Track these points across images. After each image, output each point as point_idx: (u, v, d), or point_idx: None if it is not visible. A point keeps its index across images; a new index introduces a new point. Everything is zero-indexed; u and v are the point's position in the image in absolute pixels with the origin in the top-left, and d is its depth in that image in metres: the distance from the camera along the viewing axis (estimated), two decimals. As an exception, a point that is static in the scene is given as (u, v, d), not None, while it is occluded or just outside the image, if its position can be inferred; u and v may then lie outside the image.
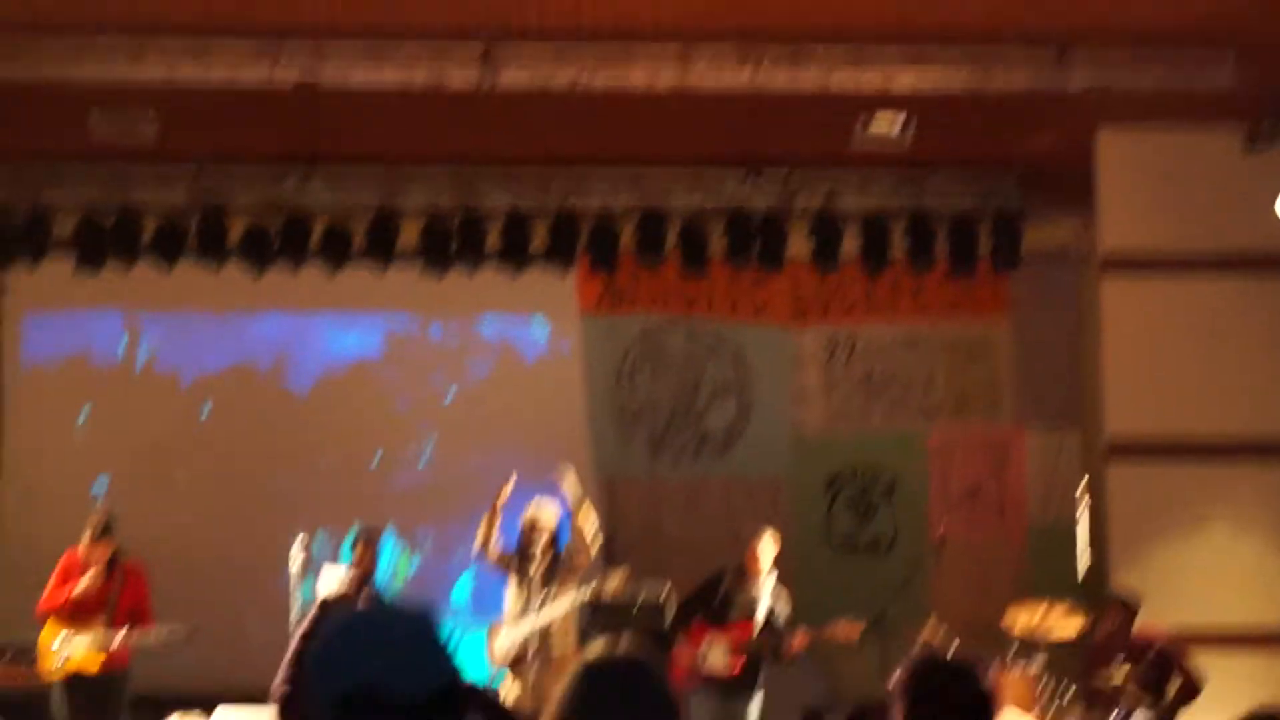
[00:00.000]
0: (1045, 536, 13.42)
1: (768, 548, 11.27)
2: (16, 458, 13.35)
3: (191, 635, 10.99)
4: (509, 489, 10.64)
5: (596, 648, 3.37)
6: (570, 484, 10.82)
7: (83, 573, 10.72)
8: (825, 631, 11.14)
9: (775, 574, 11.34)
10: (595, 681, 3.21)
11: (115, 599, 10.78)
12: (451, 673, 2.48)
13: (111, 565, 10.85)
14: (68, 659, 10.66)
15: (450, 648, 2.48)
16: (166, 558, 12.36)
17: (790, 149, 12.84)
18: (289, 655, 7.20)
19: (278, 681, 6.83)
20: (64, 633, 10.66)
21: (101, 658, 10.75)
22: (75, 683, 10.69)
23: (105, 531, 10.82)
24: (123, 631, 10.72)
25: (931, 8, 10.69)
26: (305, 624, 7.80)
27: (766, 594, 11.25)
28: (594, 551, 11.00)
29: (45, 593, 10.79)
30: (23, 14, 10.72)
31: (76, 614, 10.72)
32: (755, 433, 13.68)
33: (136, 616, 10.83)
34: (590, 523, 10.87)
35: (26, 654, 11.01)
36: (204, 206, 12.81)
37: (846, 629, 11.17)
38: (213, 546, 13.18)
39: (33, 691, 10.92)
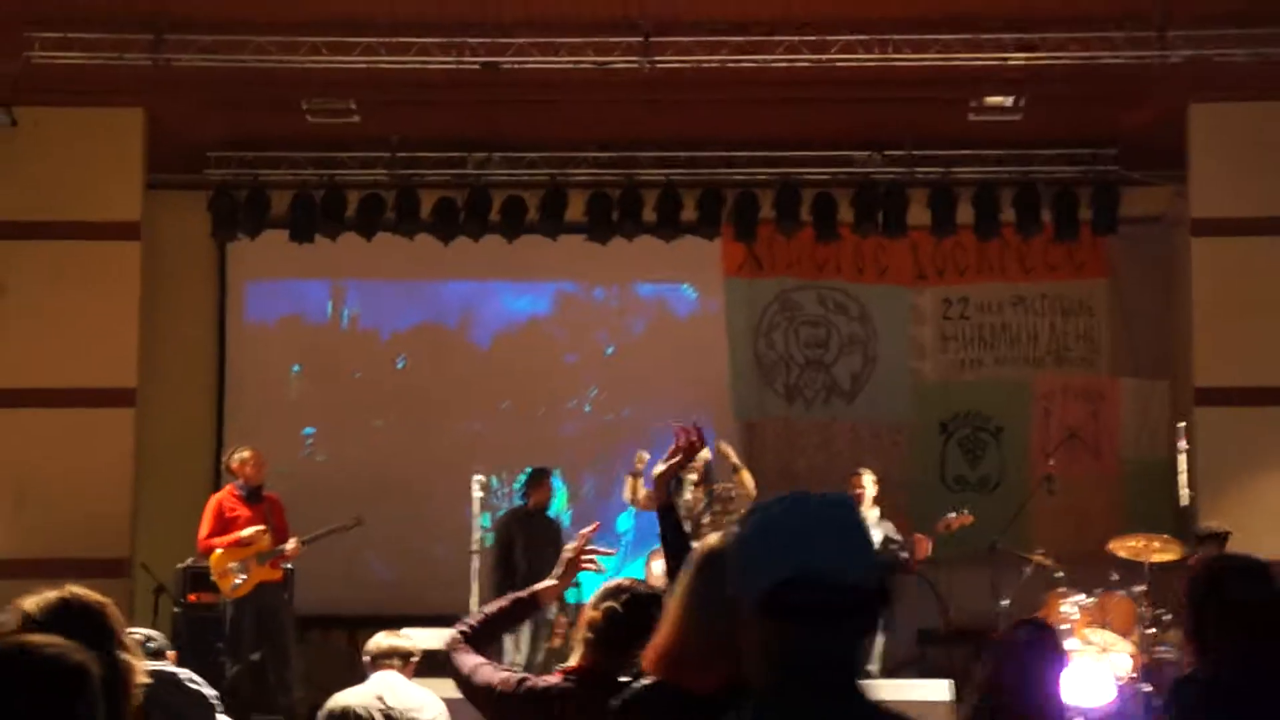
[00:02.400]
0: (1138, 475, 13.04)
1: (868, 484, 11.02)
2: (237, 406, 13.32)
3: (357, 524, 11.19)
4: (645, 457, 10.55)
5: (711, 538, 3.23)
6: (727, 450, 10.84)
7: (233, 511, 10.81)
8: (940, 528, 10.86)
9: (878, 509, 11.04)
10: (713, 566, 3.07)
11: (271, 524, 10.81)
12: (876, 558, 2.25)
13: (259, 495, 10.92)
14: (245, 579, 10.66)
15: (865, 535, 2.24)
16: (364, 492, 12.37)
17: (911, 126, 12.59)
18: None
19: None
20: (238, 559, 10.63)
21: (279, 571, 10.88)
22: (250, 599, 10.75)
23: (255, 455, 10.96)
24: (291, 542, 10.84)
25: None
26: None
27: (874, 523, 10.97)
28: (751, 487, 10.97)
29: (204, 529, 10.84)
30: (244, 13, 10.74)
31: (240, 543, 10.76)
32: (878, 381, 13.40)
33: (284, 537, 10.92)
34: (750, 480, 10.93)
35: (205, 578, 11.06)
36: (399, 184, 12.71)
37: (959, 519, 10.91)
38: (405, 483, 13.07)
39: (215, 609, 10.99)
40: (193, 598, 11.22)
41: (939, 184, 12.69)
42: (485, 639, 4.51)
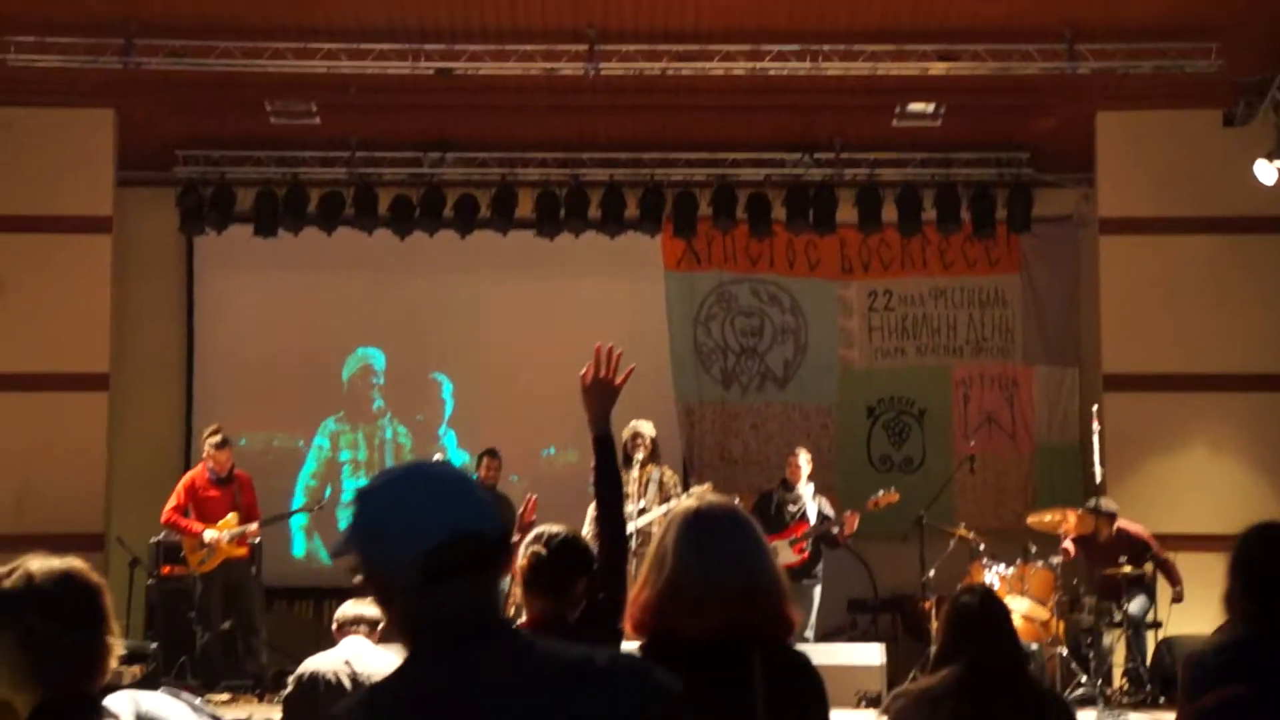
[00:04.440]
0: (1051, 455, 13.32)
1: (804, 462, 11.33)
2: (205, 389, 13.34)
3: (318, 507, 11.65)
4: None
5: (689, 502, 3.19)
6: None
7: (204, 490, 10.98)
8: (869, 505, 11.10)
9: (812, 485, 11.33)
10: (701, 520, 3.07)
11: (239, 501, 10.93)
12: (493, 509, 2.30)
13: (230, 473, 11.05)
14: (212, 556, 10.85)
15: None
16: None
17: (840, 131, 12.83)
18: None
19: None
20: (207, 533, 10.77)
21: (244, 548, 11.04)
22: (217, 573, 10.92)
23: (225, 444, 10.98)
24: (254, 524, 11.03)
25: (960, 8, 10.66)
26: None
27: (809, 498, 11.24)
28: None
29: (170, 502, 11.00)
30: (211, 19, 10.84)
31: (207, 518, 10.94)
32: (809, 368, 13.63)
33: (253, 514, 11.12)
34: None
35: (177, 552, 11.24)
36: (358, 182, 12.85)
37: (886, 496, 11.15)
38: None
39: (187, 582, 11.13)
40: (166, 570, 11.35)
41: (865, 184, 12.93)
42: None
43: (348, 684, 6.45)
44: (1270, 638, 3.83)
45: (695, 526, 3.05)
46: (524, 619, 4.49)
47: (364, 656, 6.52)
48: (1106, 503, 11.02)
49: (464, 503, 2.23)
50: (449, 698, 2.16)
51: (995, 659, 4.13)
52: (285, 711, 6.61)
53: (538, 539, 4.43)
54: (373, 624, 6.56)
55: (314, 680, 6.45)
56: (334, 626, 6.78)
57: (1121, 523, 11.09)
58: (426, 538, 2.17)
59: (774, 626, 3.03)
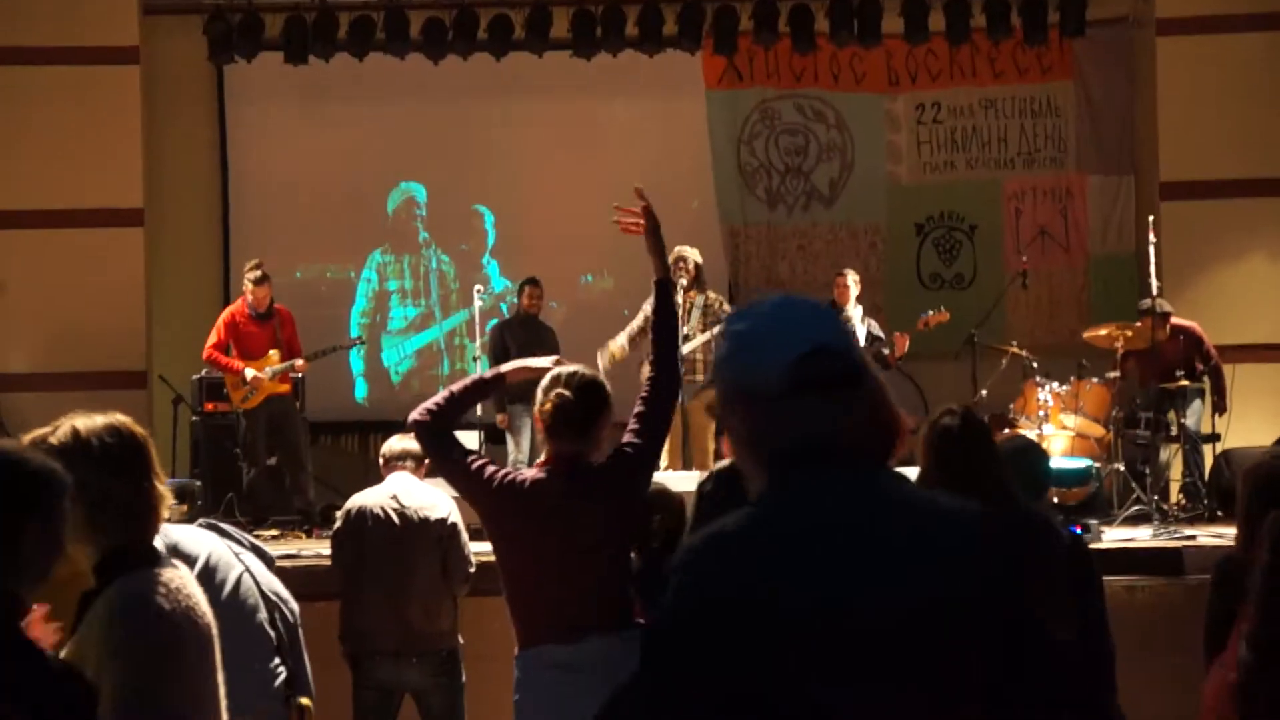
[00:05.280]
0: (1105, 268, 13.01)
1: (852, 283, 11.13)
2: (241, 221, 13.13)
3: (360, 342, 11.49)
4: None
5: None
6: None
7: (245, 325, 10.77)
8: (918, 325, 10.92)
9: (860, 307, 11.13)
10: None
11: (280, 337, 10.74)
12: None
13: (270, 308, 10.82)
14: (256, 393, 10.66)
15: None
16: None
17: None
18: None
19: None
20: (247, 371, 10.62)
21: (287, 384, 10.86)
22: (261, 409, 10.75)
23: (264, 279, 10.74)
24: (299, 360, 10.84)
25: None
26: None
27: (858, 320, 11.03)
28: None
29: (211, 339, 10.80)
30: None
31: (248, 354, 10.72)
32: (855, 186, 13.28)
33: (294, 349, 10.88)
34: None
35: (220, 388, 11.08)
36: (388, 5, 12.48)
37: (936, 316, 10.98)
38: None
39: (230, 418, 10.99)
40: (209, 407, 11.25)
41: (912, -8, 12.44)
42: (450, 417, 4.49)
43: (395, 519, 6.48)
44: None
45: None
46: (543, 459, 4.38)
47: (411, 491, 6.59)
48: (1161, 303, 10.72)
49: (828, 324, 2.23)
50: (810, 534, 2.10)
51: (976, 481, 4.08)
52: (334, 546, 6.76)
53: (557, 380, 4.30)
54: (419, 459, 6.52)
55: (361, 515, 6.57)
56: (380, 461, 6.78)
57: (1175, 320, 10.80)
58: (794, 347, 2.16)
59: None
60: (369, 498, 6.61)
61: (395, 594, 6.42)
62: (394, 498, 6.55)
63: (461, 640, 6.64)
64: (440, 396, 4.49)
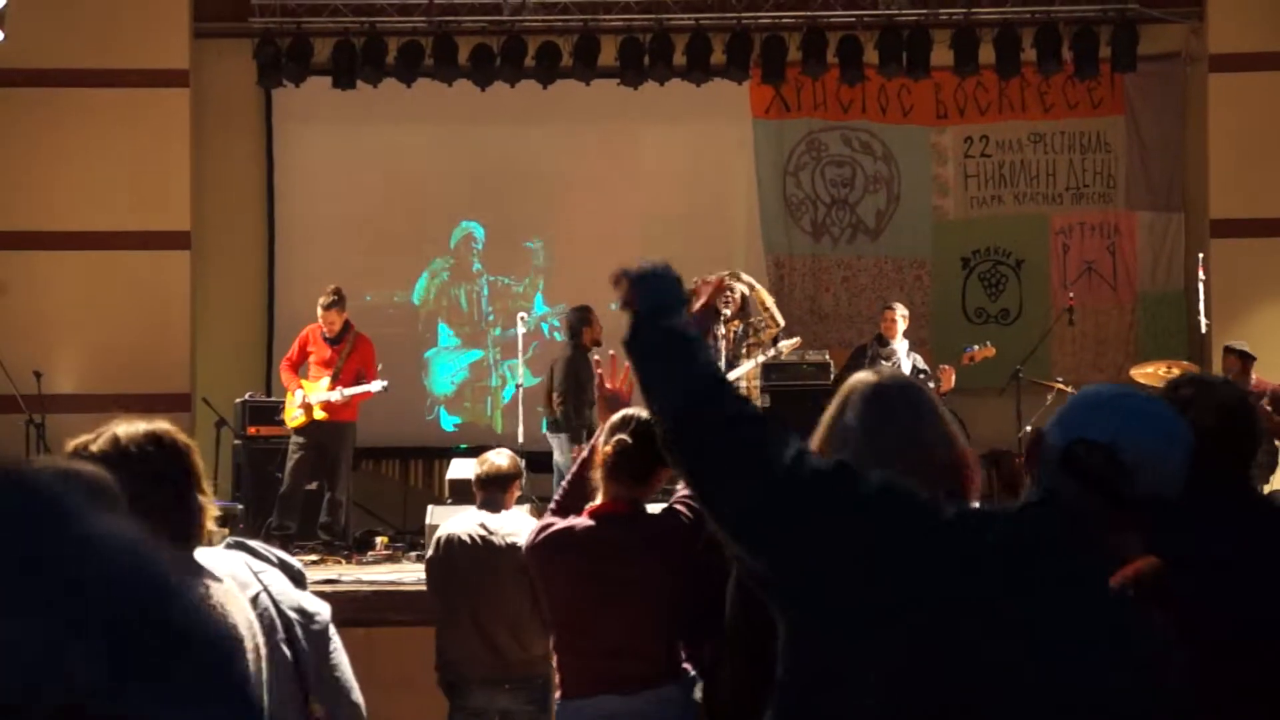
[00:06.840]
0: (1154, 305, 12.84)
1: (900, 317, 11.12)
2: (287, 247, 13.12)
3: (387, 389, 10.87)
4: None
5: (865, 375, 3.04)
6: (745, 275, 10.72)
7: (315, 347, 10.69)
8: (963, 360, 10.83)
9: (907, 341, 11.11)
10: (882, 395, 2.94)
11: (343, 363, 10.63)
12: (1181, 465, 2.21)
13: (344, 332, 10.69)
14: (301, 415, 10.60)
15: None
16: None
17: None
18: None
19: None
20: (299, 391, 10.57)
21: (328, 411, 10.63)
22: (305, 430, 10.64)
23: (333, 304, 10.66)
24: (341, 390, 10.57)
25: None
26: None
27: (904, 354, 10.97)
28: (779, 318, 11.10)
29: (286, 356, 10.89)
30: None
31: (310, 377, 10.72)
32: (902, 218, 13.17)
33: (362, 378, 10.67)
34: (769, 297, 11.03)
35: (264, 412, 11.09)
36: (437, 31, 12.46)
37: (981, 351, 10.91)
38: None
39: (274, 442, 10.98)
40: (253, 430, 11.21)
41: (961, 24, 12.36)
42: (574, 506, 4.44)
43: (482, 545, 6.43)
44: None
45: (874, 401, 2.92)
46: (598, 503, 4.28)
47: (497, 517, 6.54)
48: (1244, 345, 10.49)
49: (1135, 425, 2.18)
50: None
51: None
52: (427, 574, 6.69)
53: (624, 424, 4.18)
54: (506, 483, 6.47)
55: (450, 542, 6.51)
56: (474, 485, 6.69)
57: (1257, 377, 10.52)
58: (1070, 432, 2.19)
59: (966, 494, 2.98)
60: (458, 525, 6.54)
61: (485, 621, 6.35)
62: (481, 524, 6.48)
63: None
64: (559, 490, 4.51)
